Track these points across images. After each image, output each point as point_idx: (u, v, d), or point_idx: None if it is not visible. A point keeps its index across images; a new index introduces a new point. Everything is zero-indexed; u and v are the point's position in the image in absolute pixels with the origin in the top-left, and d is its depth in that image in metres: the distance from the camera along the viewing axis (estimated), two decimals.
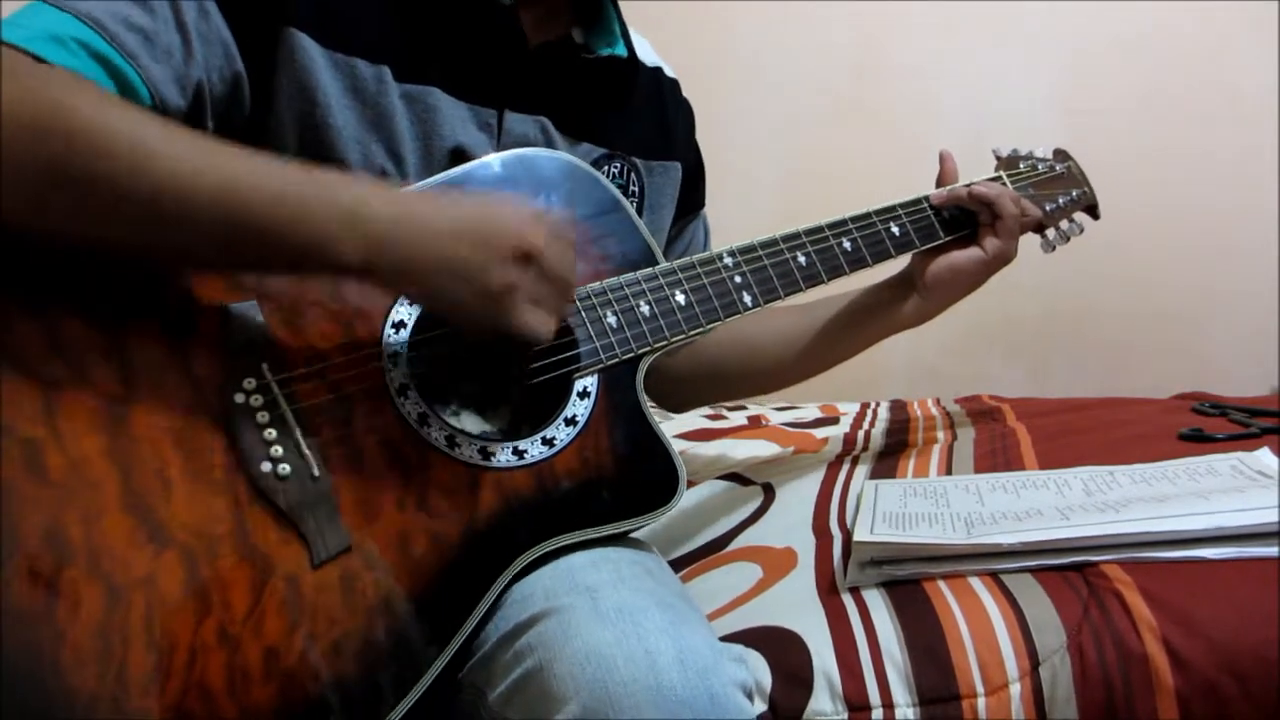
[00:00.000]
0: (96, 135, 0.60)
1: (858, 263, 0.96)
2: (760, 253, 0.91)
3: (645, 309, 0.84)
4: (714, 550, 0.99)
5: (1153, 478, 0.89)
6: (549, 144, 0.89)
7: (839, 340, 1.04)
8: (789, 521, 0.99)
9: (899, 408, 1.51)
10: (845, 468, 1.13)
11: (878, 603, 0.75)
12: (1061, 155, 1.14)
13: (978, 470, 1.07)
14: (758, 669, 0.71)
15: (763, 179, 1.87)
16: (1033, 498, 0.88)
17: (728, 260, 0.89)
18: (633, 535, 0.81)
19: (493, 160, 0.82)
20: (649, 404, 0.84)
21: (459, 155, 0.83)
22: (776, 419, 1.51)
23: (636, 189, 0.96)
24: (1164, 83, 1.84)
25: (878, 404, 1.56)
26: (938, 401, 1.55)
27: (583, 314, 0.81)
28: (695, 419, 1.49)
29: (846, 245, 0.95)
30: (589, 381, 0.81)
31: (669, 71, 1.05)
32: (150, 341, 0.66)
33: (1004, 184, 1.06)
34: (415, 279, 0.68)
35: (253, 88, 0.76)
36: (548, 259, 0.69)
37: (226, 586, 0.63)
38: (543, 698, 0.62)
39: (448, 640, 0.69)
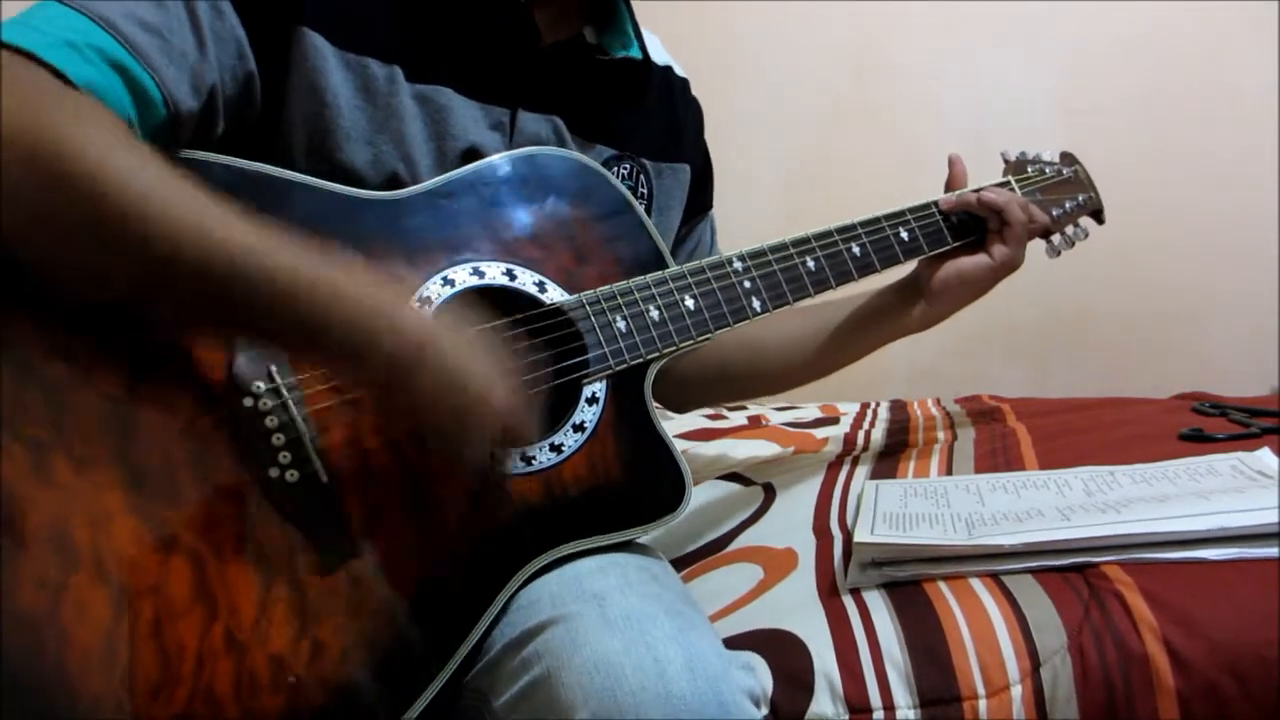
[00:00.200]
0: (97, 190, 0.58)
1: (866, 268, 0.96)
2: (770, 257, 0.91)
3: (655, 314, 0.83)
4: (714, 550, 0.99)
5: (1153, 478, 0.89)
6: (561, 144, 0.88)
7: (845, 344, 1.04)
8: (789, 522, 0.99)
9: (899, 408, 1.52)
10: (845, 468, 1.13)
11: (878, 604, 0.75)
12: (1069, 159, 1.14)
13: (978, 470, 1.07)
14: (761, 673, 0.71)
15: (763, 179, 1.87)
16: (1033, 498, 0.88)
17: (737, 265, 0.89)
18: (638, 539, 0.81)
19: (502, 160, 0.82)
20: (656, 408, 0.84)
21: (471, 155, 0.83)
22: (776, 419, 1.51)
23: (645, 191, 0.96)
24: (1164, 83, 1.84)
25: (878, 404, 1.56)
26: (938, 402, 1.55)
27: (592, 319, 0.81)
28: (695, 419, 1.49)
29: (855, 250, 0.95)
30: (597, 387, 0.80)
31: (679, 70, 1.05)
32: (158, 344, 0.65)
33: (1012, 188, 1.06)
34: (399, 398, 0.66)
35: (264, 87, 0.75)
36: (516, 439, 0.70)
37: (234, 592, 0.63)
38: (550, 706, 0.62)
39: (455, 647, 0.69)
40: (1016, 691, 0.68)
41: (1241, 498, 0.78)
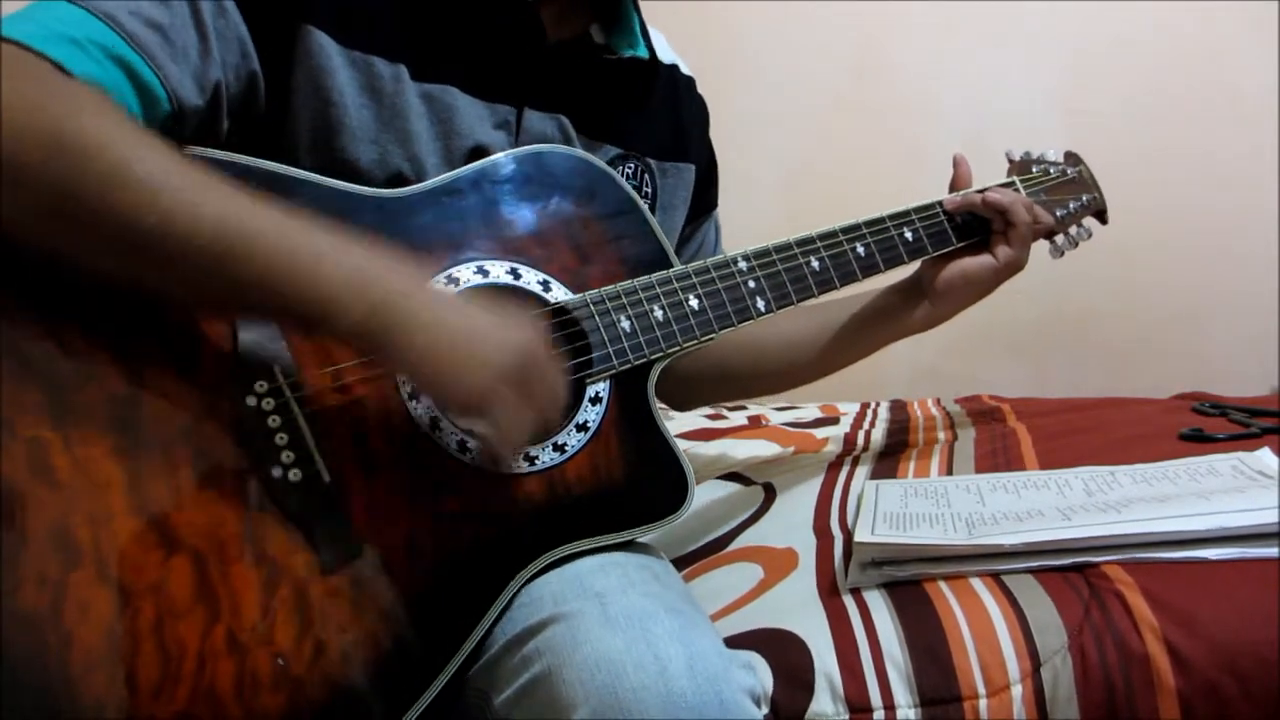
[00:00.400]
0: (109, 164, 0.59)
1: (870, 268, 0.96)
2: (774, 257, 0.91)
3: (659, 313, 0.83)
4: (715, 550, 1.00)
5: (1153, 478, 0.89)
6: (567, 143, 0.88)
7: (848, 344, 1.04)
8: (790, 522, 0.99)
9: (899, 408, 1.52)
10: (846, 468, 1.13)
11: (879, 604, 0.76)
12: (1073, 159, 1.14)
13: (978, 470, 1.07)
14: (761, 673, 0.72)
15: (763, 179, 1.87)
16: (1034, 498, 0.88)
17: (741, 265, 0.89)
18: (640, 539, 0.81)
19: (507, 158, 0.82)
20: (659, 408, 0.84)
21: (477, 154, 0.83)
22: (777, 419, 1.51)
23: (650, 190, 0.96)
24: (1164, 83, 1.84)
25: (878, 404, 1.56)
26: (938, 402, 1.55)
27: (596, 318, 0.81)
28: (695, 419, 1.49)
29: (860, 250, 0.95)
30: (601, 386, 0.80)
31: (685, 69, 1.04)
32: (161, 343, 0.65)
33: (1016, 188, 1.06)
34: (408, 364, 0.67)
35: (268, 86, 0.75)
36: (542, 380, 0.70)
37: (236, 592, 0.63)
38: (551, 703, 0.62)
39: (457, 646, 0.68)
40: (1017, 691, 0.68)
41: (1241, 498, 0.78)
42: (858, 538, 0.81)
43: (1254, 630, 0.68)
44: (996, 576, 0.75)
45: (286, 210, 0.64)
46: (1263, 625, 0.68)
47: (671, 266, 0.86)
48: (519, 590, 0.72)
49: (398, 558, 0.68)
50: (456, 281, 0.77)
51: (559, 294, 0.81)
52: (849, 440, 1.30)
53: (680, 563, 0.98)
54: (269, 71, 0.75)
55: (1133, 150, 1.80)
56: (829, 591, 0.81)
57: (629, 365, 0.81)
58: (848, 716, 0.69)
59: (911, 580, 0.77)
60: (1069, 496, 0.87)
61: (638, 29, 0.93)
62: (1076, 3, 1.83)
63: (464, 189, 0.80)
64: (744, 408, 1.62)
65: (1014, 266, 1.00)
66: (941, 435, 1.26)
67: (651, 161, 0.96)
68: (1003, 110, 1.86)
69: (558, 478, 0.76)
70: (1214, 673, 0.67)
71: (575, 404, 0.79)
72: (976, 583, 0.75)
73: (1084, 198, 1.11)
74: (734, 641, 0.75)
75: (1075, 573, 0.74)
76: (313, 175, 0.74)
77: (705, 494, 1.15)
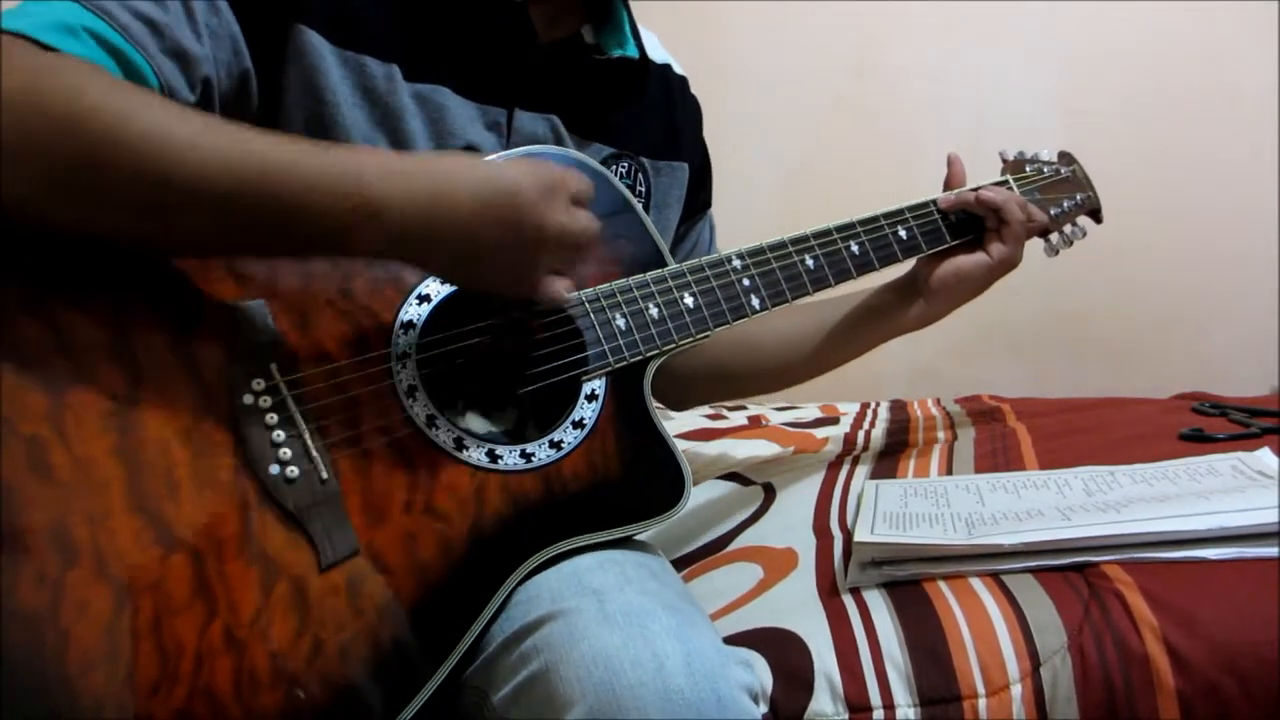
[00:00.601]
0: (110, 121, 0.59)
1: (864, 266, 0.96)
2: (768, 255, 0.91)
3: (654, 311, 0.84)
4: (715, 550, 0.99)
5: (1153, 478, 0.89)
6: (559, 143, 0.89)
7: (843, 342, 1.04)
8: (789, 521, 0.99)
9: (899, 408, 1.52)
10: (845, 468, 1.13)
11: (878, 603, 0.76)
12: (1066, 158, 1.14)
13: (978, 470, 1.07)
14: (759, 671, 0.71)
15: (762, 179, 1.87)
16: (1033, 498, 0.88)
17: (736, 263, 0.89)
18: (637, 537, 0.81)
19: (501, 158, 0.82)
20: (655, 406, 0.84)
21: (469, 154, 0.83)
22: (776, 419, 1.51)
23: (643, 189, 0.96)
24: (1164, 83, 1.84)
25: (878, 404, 1.56)
26: (938, 402, 1.55)
27: (591, 316, 0.81)
28: (695, 419, 1.49)
29: (854, 249, 0.95)
30: (597, 384, 0.81)
31: (678, 68, 1.05)
32: (158, 341, 0.65)
33: (1010, 187, 1.06)
34: (437, 261, 0.70)
35: (260, 85, 0.76)
36: (558, 217, 0.70)
37: (233, 589, 0.63)
38: (549, 700, 0.62)
39: (455, 643, 0.68)
40: (1016, 691, 0.68)
41: (1241, 497, 0.78)
42: (857, 537, 0.81)
43: (1254, 630, 0.68)
44: (996, 576, 0.75)
45: (287, 139, 0.65)
46: (1263, 625, 0.68)
47: (666, 265, 0.86)
48: (517, 587, 0.72)
49: (395, 554, 0.68)
50: None
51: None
52: (849, 440, 1.30)
53: (680, 563, 0.98)
54: (261, 70, 0.75)
55: (1132, 150, 1.80)
56: (829, 591, 0.81)
57: (625, 363, 0.81)
58: (847, 716, 0.69)
59: (911, 580, 0.77)
60: (1069, 496, 0.87)
61: (628, 28, 0.93)
62: (1076, 3, 1.83)
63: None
64: (744, 408, 1.62)
65: (1008, 264, 1.00)
66: (941, 435, 1.26)
67: (645, 160, 0.96)
68: (1002, 110, 1.86)
69: (554, 475, 0.76)
70: (1214, 673, 0.67)
71: (570, 401, 0.79)
72: (976, 582, 0.75)
73: (1078, 196, 1.11)
74: (733, 641, 0.75)
75: (1075, 572, 0.74)
76: None
77: (705, 494, 1.15)
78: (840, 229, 0.95)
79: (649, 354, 0.83)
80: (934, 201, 1.01)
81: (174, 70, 0.69)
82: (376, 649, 0.66)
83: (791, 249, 0.92)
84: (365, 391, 0.71)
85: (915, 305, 1.02)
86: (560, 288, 0.73)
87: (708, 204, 1.10)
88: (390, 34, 0.80)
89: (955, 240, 1.01)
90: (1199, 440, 1.05)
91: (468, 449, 0.73)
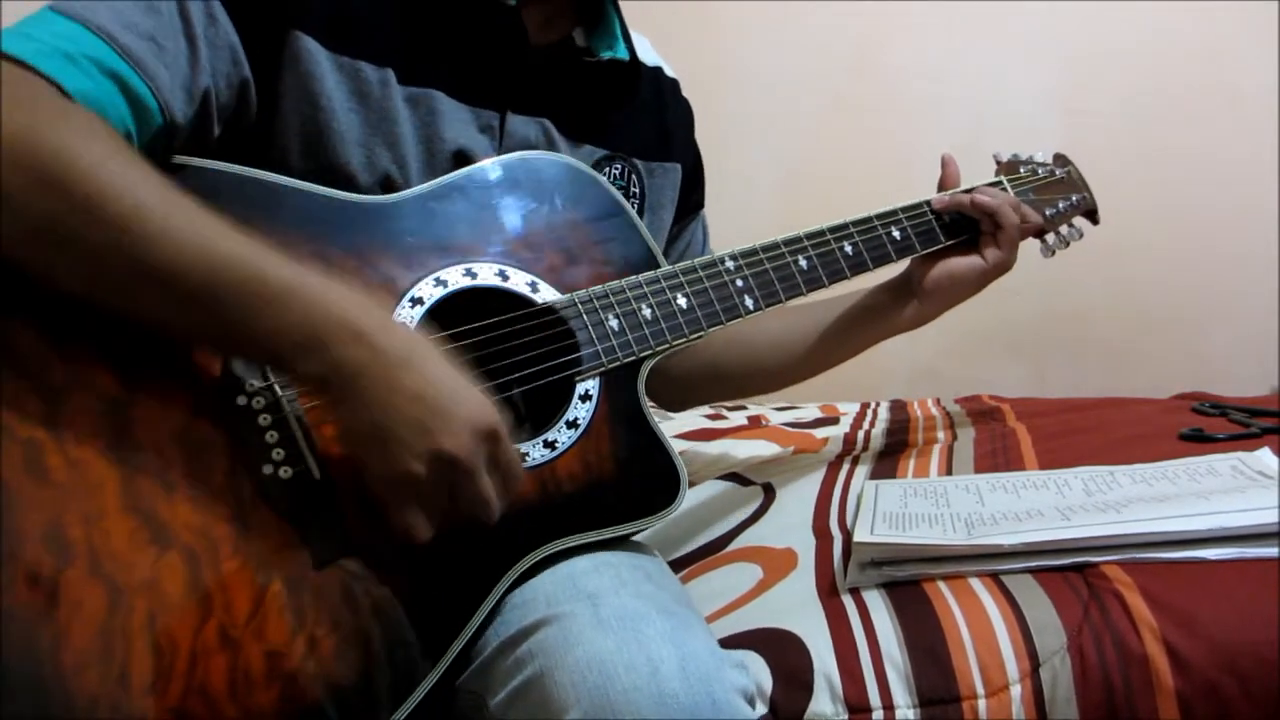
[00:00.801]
0: (96, 193, 0.59)
1: (858, 266, 0.96)
2: (761, 256, 0.91)
3: (647, 312, 0.84)
4: (714, 551, 0.99)
5: (1153, 478, 0.89)
6: (551, 146, 0.89)
7: (838, 342, 1.05)
8: (789, 522, 0.99)
9: (899, 408, 1.51)
10: (845, 468, 1.13)
11: (878, 604, 0.75)
12: (1061, 160, 1.14)
13: (978, 470, 1.07)
14: (758, 672, 0.71)
15: (762, 179, 1.87)
16: (1033, 498, 0.88)
17: (729, 264, 0.89)
18: (633, 537, 0.81)
19: (494, 163, 0.82)
20: (649, 406, 0.84)
21: (461, 157, 0.83)
22: (776, 419, 1.51)
23: (637, 190, 0.96)
24: (1164, 83, 1.83)
25: (878, 404, 1.56)
26: (938, 402, 1.55)
27: (584, 317, 0.81)
28: (695, 419, 1.49)
29: (848, 249, 0.95)
30: (590, 384, 0.81)
31: (669, 71, 1.05)
32: (152, 344, 0.65)
33: (1004, 189, 1.06)
34: (346, 417, 0.65)
35: (259, 92, 0.75)
36: (504, 445, 0.67)
37: (228, 589, 0.63)
38: (544, 705, 0.62)
39: (449, 644, 0.69)
40: (1016, 691, 0.68)
41: (1241, 498, 0.78)
42: (857, 538, 0.80)
43: (1254, 630, 0.67)
44: (995, 577, 0.75)
45: (262, 248, 0.63)
46: (1262, 625, 0.67)
47: (659, 267, 0.86)
48: (513, 591, 0.72)
49: (389, 554, 0.68)
50: (445, 283, 0.77)
51: (547, 294, 0.81)
52: (849, 440, 1.30)
53: (679, 563, 0.98)
54: (259, 77, 0.75)
55: (1132, 150, 1.80)
56: (828, 592, 0.80)
57: (618, 363, 0.81)
58: (846, 717, 0.69)
59: (910, 580, 0.77)
60: (1068, 496, 0.87)
61: (618, 31, 0.93)
62: (1076, 3, 1.83)
63: (452, 194, 0.80)
64: (744, 408, 1.62)
65: (1001, 267, 1.00)
66: (941, 435, 1.25)
67: (638, 162, 0.97)
68: (1002, 110, 1.86)
69: (548, 475, 0.76)
70: (1213, 673, 0.66)
71: (564, 401, 0.79)
72: (975, 583, 0.75)
73: (1073, 197, 1.11)
74: (732, 641, 0.75)
75: (1074, 573, 0.74)
76: (302, 183, 0.75)
77: (704, 494, 1.15)
78: (834, 230, 0.95)
79: (642, 354, 0.83)
80: (928, 202, 1.01)
81: (173, 87, 0.69)
82: (371, 649, 0.66)
83: (784, 249, 0.92)
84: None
85: (910, 306, 1.02)
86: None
87: (700, 205, 1.10)
88: (385, 38, 0.80)
89: (949, 240, 1.01)
90: (1199, 440, 1.05)
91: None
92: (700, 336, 0.86)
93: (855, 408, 1.54)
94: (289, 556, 0.66)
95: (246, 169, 0.72)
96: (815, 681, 0.70)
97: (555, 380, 0.79)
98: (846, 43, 1.89)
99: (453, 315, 0.77)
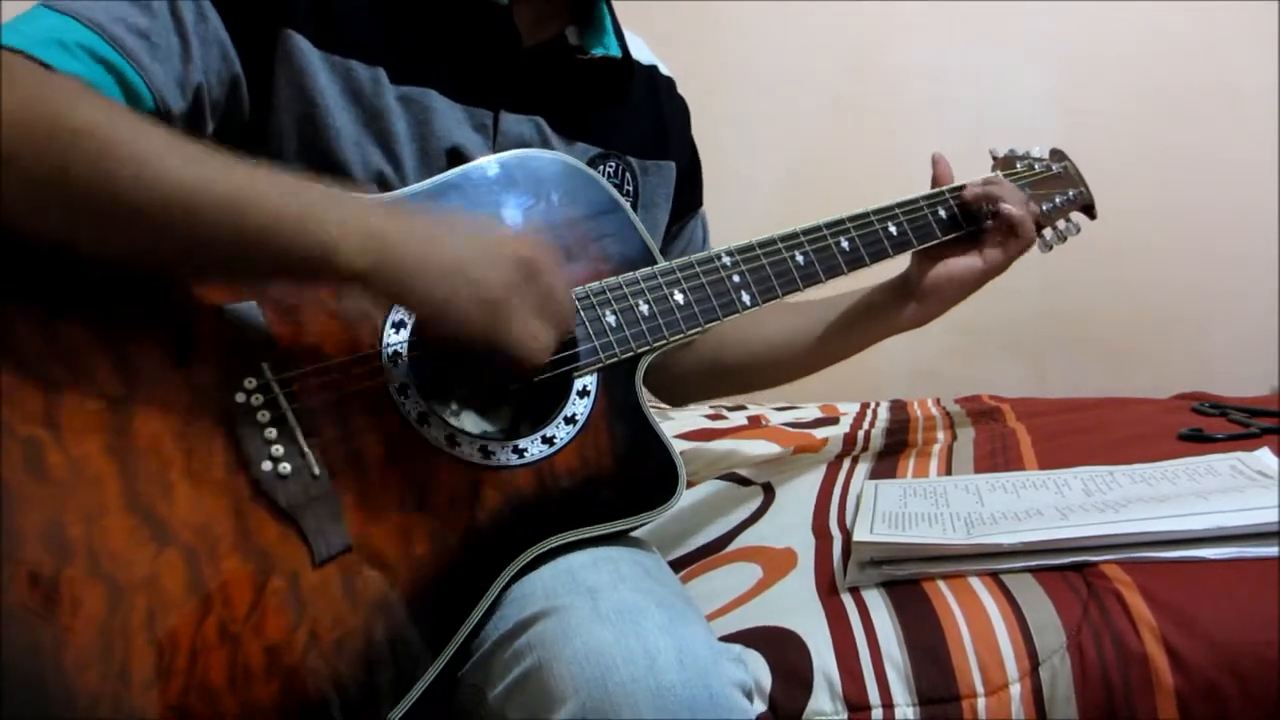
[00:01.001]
0: (102, 143, 0.60)
1: (855, 262, 0.96)
2: (758, 252, 0.91)
3: (644, 308, 0.84)
4: (714, 550, 0.99)
5: (1152, 478, 0.89)
6: (544, 144, 0.89)
7: (839, 340, 1.05)
8: (789, 521, 0.99)
9: (899, 408, 1.51)
10: (845, 468, 1.13)
11: (877, 603, 0.75)
12: (1058, 155, 1.14)
13: (978, 470, 1.07)
14: (757, 669, 0.71)
15: (762, 179, 1.87)
16: (1032, 498, 0.88)
17: (726, 260, 0.89)
18: (632, 534, 0.81)
19: (491, 161, 0.82)
20: (648, 402, 0.84)
21: (455, 156, 0.83)
22: (776, 419, 1.51)
23: (631, 188, 0.97)
24: (1164, 83, 1.84)
25: (878, 404, 1.56)
26: (938, 401, 1.55)
27: (582, 313, 0.81)
28: (695, 419, 1.49)
29: (844, 245, 0.96)
30: (589, 380, 0.81)
31: (664, 70, 1.05)
32: (151, 341, 0.65)
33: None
34: (416, 288, 0.67)
35: (251, 90, 0.76)
36: (548, 276, 0.70)
37: (228, 585, 0.63)
38: (542, 697, 0.62)
39: (448, 638, 0.69)
40: (1015, 690, 0.68)
41: (1241, 497, 0.78)
42: (856, 537, 0.80)
43: (1253, 630, 0.67)
44: (995, 576, 0.75)
45: (272, 168, 0.65)
46: (1262, 625, 0.67)
47: (656, 263, 0.86)
48: (511, 585, 0.72)
49: (388, 550, 0.69)
50: None
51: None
52: (848, 440, 1.30)
53: (679, 562, 0.98)
54: (251, 75, 0.76)
55: (1132, 150, 1.80)
56: (828, 591, 0.80)
57: (616, 359, 0.81)
58: (846, 715, 0.69)
59: (910, 579, 0.77)
60: (1068, 496, 0.87)
61: (610, 28, 0.93)
62: (1076, 3, 1.83)
63: (449, 192, 0.80)
64: (744, 407, 1.62)
65: (999, 269, 1.01)
66: (941, 435, 1.25)
67: (632, 160, 0.97)
68: (1002, 110, 1.86)
69: (547, 470, 0.76)
70: (1213, 672, 0.66)
71: (563, 397, 0.79)
72: (975, 582, 0.75)
73: (1070, 193, 1.11)
74: (732, 639, 0.75)
75: (1074, 572, 0.74)
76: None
77: (704, 494, 1.15)
78: (830, 225, 0.95)
79: (640, 350, 0.83)
80: (922, 198, 1.01)
81: (165, 80, 0.70)
82: (371, 643, 0.66)
83: (781, 245, 0.92)
84: (357, 389, 0.71)
85: (910, 305, 1.02)
86: (534, 332, 0.69)
87: (698, 203, 1.10)
88: (376, 37, 0.81)
89: (946, 236, 1.01)
90: (1198, 440, 1.05)
91: (460, 445, 0.73)
92: (698, 333, 0.86)
93: (855, 408, 1.54)
94: (288, 552, 0.66)
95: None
96: (815, 679, 0.70)
97: (553, 376, 0.79)
98: (846, 43, 1.89)
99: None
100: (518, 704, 0.65)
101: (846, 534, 0.89)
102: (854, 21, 1.88)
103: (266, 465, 0.67)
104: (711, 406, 1.59)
